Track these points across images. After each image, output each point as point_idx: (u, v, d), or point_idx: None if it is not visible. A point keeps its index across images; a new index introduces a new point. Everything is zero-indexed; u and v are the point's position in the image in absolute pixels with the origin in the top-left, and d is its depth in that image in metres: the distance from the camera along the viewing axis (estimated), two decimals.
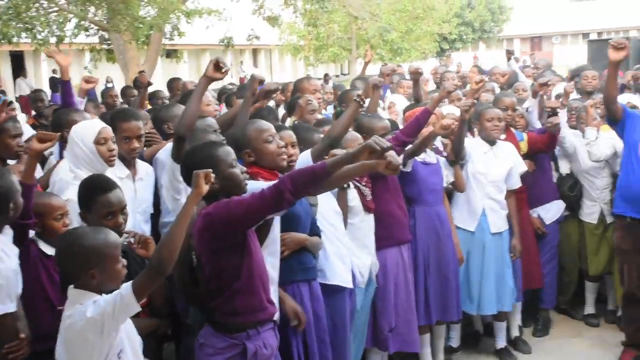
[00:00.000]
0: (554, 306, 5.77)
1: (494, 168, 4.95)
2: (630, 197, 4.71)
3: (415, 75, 5.84)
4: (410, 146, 4.34)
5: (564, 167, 5.64)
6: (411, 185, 4.59)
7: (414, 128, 4.26)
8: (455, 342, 5.18)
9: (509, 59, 7.91)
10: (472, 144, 5.00)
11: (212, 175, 2.61)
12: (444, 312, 4.72)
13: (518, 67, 8.80)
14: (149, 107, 6.77)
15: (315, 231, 3.60)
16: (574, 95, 6.48)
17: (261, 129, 3.28)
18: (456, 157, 4.88)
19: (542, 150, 5.39)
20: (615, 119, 4.83)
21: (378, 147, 2.59)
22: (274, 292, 3.18)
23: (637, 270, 4.75)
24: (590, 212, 5.50)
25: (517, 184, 5.11)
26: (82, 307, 2.40)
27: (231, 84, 9.95)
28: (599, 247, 5.52)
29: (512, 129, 5.37)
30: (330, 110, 6.30)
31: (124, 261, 2.57)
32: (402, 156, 4.28)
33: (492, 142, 4.99)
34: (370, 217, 4.20)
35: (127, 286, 2.42)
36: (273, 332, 3.03)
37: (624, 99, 5.51)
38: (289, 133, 3.68)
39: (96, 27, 12.87)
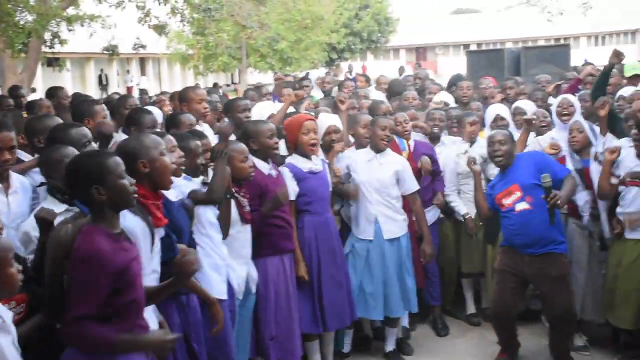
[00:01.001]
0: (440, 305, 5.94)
1: (378, 175, 5.01)
2: (508, 239, 4.94)
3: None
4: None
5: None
6: (300, 197, 4.62)
7: None
8: (347, 348, 5.24)
9: (400, 73, 8.21)
10: (355, 155, 5.08)
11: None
12: (340, 320, 4.77)
13: (403, 77, 9.10)
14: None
15: (190, 243, 3.55)
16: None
17: (158, 141, 3.21)
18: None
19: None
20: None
21: (187, 271, 2.91)
22: (153, 309, 3.11)
23: (505, 291, 4.92)
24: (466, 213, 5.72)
25: (413, 187, 5.12)
26: None
27: (116, 93, 9.69)
28: (472, 247, 5.77)
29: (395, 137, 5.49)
30: None
31: (19, 266, 2.44)
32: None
33: (378, 150, 5.07)
34: (247, 228, 4.20)
35: None
36: None
37: (493, 109, 5.81)
38: (168, 137, 3.62)
39: None
